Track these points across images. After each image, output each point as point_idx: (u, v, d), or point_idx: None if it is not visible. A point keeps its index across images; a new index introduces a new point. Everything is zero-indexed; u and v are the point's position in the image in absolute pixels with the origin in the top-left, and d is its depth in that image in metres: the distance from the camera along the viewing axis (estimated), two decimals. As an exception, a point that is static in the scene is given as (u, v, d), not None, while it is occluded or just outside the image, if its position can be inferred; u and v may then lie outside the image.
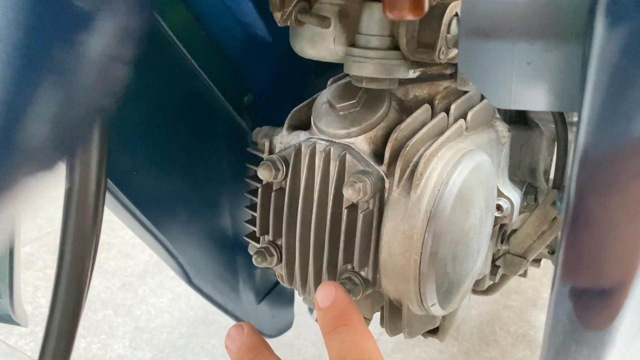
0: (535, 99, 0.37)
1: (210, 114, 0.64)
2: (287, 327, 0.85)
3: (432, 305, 0.48)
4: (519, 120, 0.68)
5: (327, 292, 0.43)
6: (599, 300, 0.29)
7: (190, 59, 0.59)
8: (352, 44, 0.45)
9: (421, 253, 0.45)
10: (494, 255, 0.65)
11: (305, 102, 0.55)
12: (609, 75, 0.25)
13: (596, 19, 0.23)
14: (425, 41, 0.42)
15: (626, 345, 0.32)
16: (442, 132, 0.50)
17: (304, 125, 0.54)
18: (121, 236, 1.82)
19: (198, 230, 0.67)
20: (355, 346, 0.39)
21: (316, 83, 0.65)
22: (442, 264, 0.46)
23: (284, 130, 0.54)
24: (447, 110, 0.52)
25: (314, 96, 0.55)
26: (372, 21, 0.43)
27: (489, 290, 0.72)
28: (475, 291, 0.70)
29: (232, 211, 0.69)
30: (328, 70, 0.61)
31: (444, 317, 0.58)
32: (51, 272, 1.60)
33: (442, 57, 0.42)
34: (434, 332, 0.59)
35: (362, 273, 0.49)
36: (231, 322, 1.10)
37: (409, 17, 0.35)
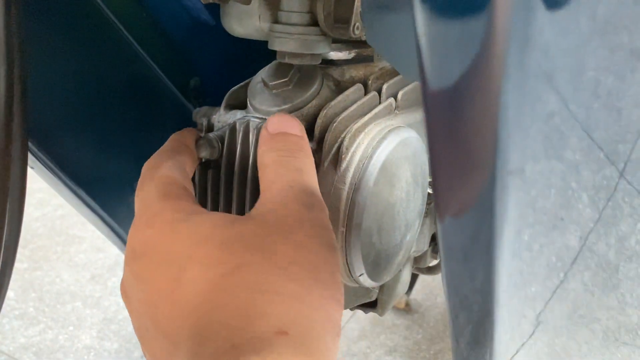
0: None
1: (155, 97, 0.65)
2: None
3: (360, 275, 0.50)
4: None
5: (284, 122, 0.43)
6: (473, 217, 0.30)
7: (133, 42, 0.60)
8: (275, 20, 0.46)
9: (346, 224, 0.47)
10: (435, 234, 0.67)
11: (243, 83, 0.56)
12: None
13: None
14: (340, 17, 0.44)
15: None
16: (372, 110, 0.51)
17: (242, 104, 0.55)
18: (92, 230, 1.82)
19: (146, 211, 0.68)
20: (292, 166, 0.39)
21: (263, 65, 0.67)
22: (367, 234, 0.48)
23: (222, 110, 0.55)
24: (379, 90, 0.53)
25: (252, 77, 0.57)
26: (292, -2, 0.44)
27: (433, 270, 0.74)
28: (419, 269, 0.72)
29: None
30: (274, 52, 0.63)
31: (381, 291, 0.59)
32: (21, 265, 1.60)
33: (357, 32, 0.44)
34: (373, 306, 0.61)
35: (295, 246, 0.51)
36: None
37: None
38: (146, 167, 0.45)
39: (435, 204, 0.31)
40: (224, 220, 0.36)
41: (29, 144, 0.54)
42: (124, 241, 0.68)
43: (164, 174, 0.43)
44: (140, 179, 0.44)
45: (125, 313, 1.43)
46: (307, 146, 0.42)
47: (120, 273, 1.59)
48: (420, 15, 0.24)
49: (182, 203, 0.40)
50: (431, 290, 1.48)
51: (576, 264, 0.57)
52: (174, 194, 0.40)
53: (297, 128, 0.43)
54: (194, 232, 0.35)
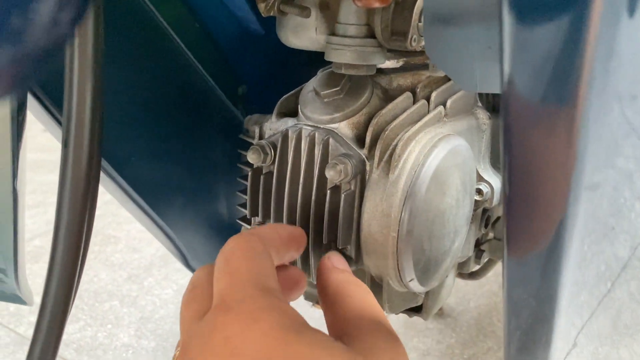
0: (498, 82, 0.40)
1: (205, 104, 0.67)
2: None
3: (410, 280, 0.51)
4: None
5: (340, 260, 0.43)
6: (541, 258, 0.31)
7: (186, 51, 0.62)
8: (332, 32, 0.48)
9: (398, 230, 0.48)
10: (478, 239, 0.67)
11: (293, 91, 0.58)
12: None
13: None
14: (398, 30, 0.45)
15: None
16: (422, 119, 0.52)
17: (292, 112, 0.57)
18: (128, 230, 1.86)
19: (195, 215, 0.70)
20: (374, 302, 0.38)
21: (308, 73, 0.68)
22: (419, 241, 0.49)
23: (273, 117, 0.57)
24: (428, 98, 0.54)
25: (302, 85, 0.58)
26: (350, 11, 0.45)
27: (475, 275, 0.75)
28: (462, 274, 0.72)
29: (227, 197, 0.72)
30: (319, 61, 0.64)
31: (427, 296, 0.60)
32: (60, 265, 1.64)
33: (414, 44, 0.45)
34: (418, 310, 0.62)
35: (346, 251, 0.52)
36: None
37: (376, 4, 0.38)
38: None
39: (505, 210, 0.31)
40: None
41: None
42: (170, 239, 0.70)
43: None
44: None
45: (162, 312, 1.47)
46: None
47: (155, 273, 1.63)
48: (507, 20, 0.25)
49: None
50: (464, 294, 1.48)
51: (624, 273, 0.57)
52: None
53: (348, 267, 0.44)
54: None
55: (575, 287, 0.42)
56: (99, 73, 0.36)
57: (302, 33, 0.49)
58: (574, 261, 0.33)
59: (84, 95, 0.36)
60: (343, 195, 0.50)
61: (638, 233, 0.53)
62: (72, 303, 0.49)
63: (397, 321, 1.41)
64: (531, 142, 0.27)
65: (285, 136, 0.53)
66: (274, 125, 0.56)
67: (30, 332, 1.39)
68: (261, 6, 0.46)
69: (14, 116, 0.44)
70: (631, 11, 0.26)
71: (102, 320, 1.44)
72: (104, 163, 0.59)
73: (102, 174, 0.61)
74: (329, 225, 0.51)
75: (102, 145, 0.42)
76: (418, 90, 0.55)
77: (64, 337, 1.50)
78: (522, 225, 0.31)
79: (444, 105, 0.55)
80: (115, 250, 1.76)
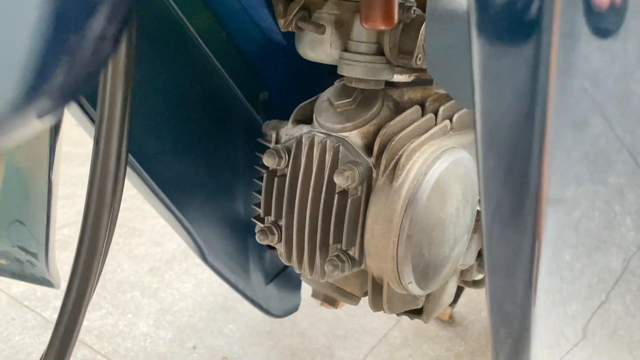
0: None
1: (228, 108, 0.71)
2: (294, 309, 0.92)
3: (409, 283, 0.54)
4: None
5: None
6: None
7: (212, 58, 0.67)
8: (345, 48, 0.51)
9: (399, 235, 0.51)
10: (482, 249, 0.70)
11: (309, 100, 0.61)
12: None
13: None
14: (405, 48, 0.48)
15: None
16: (428, 131, 0.56)
17: (308, 119, 0.61)
18: (152, 224, 1.92)
19: (214, 212, 0.74)
20: None
21: (326, 83, 0.72)
22: (418, 246, 0.52)
23: (289, 124, 0.61)
24: (436, 112, 0.58)
25: (319, 95, 0.62)
26: (361, 30, 0.49)
27: (479, 283, 0.77)
28: (466, 282, 0.75)
29: (245, 196, 0.76)
30: (336, 72, 0.68)
31: (427, 300, 0.63)
32: (86, 254, 1.71)
33: (419, 62, 0.48)
34: (418, 313, 0.65)
35: (350, 252, 0.55)
36: (249, 308, 1.17)
37: (382, 27, 0.41)
38: None
39: (483, 221, 0.35)
40: None
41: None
42: (189, 233, 0.74)
43: None
44: None
45: (181, 305, 1.52)
46: None
47: (176, 267, 1.68)
48: (476, 45, 0.28)
49: None
50: (476, 304, 1.50)
51: (618, 286, 0.59)
52: None
53: None
54: None
55: (560, 296, 0.45)
56: (129, 80, 0.40)
57: (318, 47, 0.52)
58: (547, 270, 0.36)
59: (115, 99, 0.40)
60: (350, 200, 0.53)
61: (630, 247, 0.55)
62: (94, 289, 0.54)
63: (407, 327, 1.43)
64: (500, 162, 0.30)
65: (299, 142, 0.57)
66: (289, 131, 0.60)
67: (55, 317, 1.45)
68: (280, 22, 0.50)
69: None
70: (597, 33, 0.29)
71: (123, 309, 1.50)
72: (132, 160, 0.64)
73: (129, 170, 0.65)
74: (335, 227, 0.55)
75: (128, 144, 0.46)
76: (427, 104, 0.58)
77: (87, 323, 1.56)
78: (498, 234, 0.34)
79: (451, 119, 0.58)
80: (139, 242, 1.82)
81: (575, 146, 0.35)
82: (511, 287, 0.37)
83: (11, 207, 0.62)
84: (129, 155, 0.63)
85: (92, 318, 1.45)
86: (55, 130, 0.51)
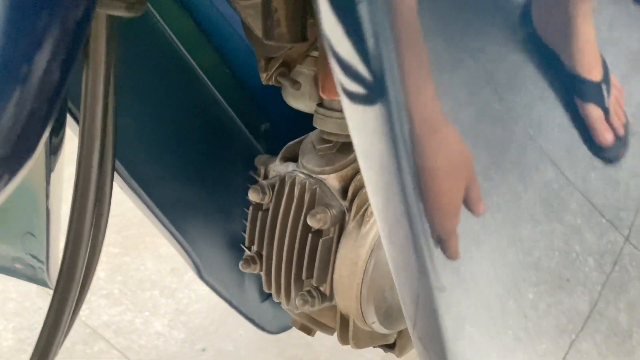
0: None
1: (230, 137, 0.75)
2: (288, 326, 0.96)
3: (373, 322, 0.57)
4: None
5: None
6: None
7: (214, 92, 0.71)
8: (319, 103, 0.55)
9: (362, 278, 0.54)
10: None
11: (298, 139, 0.65)
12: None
13: None
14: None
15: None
16: (403, 178, 0.59)
17: (296, 157, 0.64)
18: (178, 225, 1.99)
19: (211, 233, 0.79)
20: None
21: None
22: (380, 290, 0.55)
23: (278, 161, 0.65)
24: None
25: (307, 134, 0.65)
26: (335, 87, 0.52)
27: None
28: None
29: (242, 219, 0.80)
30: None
31: (399, 335, 0.66)
32: (113, 250, 1.80)
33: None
34: (392, 347, 0.67)
35: (321, 288, 0.59)
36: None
37: (337, 97, 0.45)
38: None
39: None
40: None
41: (121, 170, 0.66)
42: (186, 251, 0.79)
43: None
44: None
45: (196, 306, 1.58)
46: None
47: (196, 269, 1.75)
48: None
49: None
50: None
51: (587, 327, 0.60)
52: None
53: None
54: None
55: (527, 334, 0.47)
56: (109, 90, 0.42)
57: (299, 98, 0.56)
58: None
59: (94, 113, 0.42)
60: (321, 240, 0.57)
61: (595, 287, 0.56)
62: (82, 295, 0.56)
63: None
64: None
65: (282, 180, 0.61)
66: (277, 168, 0.64)
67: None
68: (262, 76, 0.54)
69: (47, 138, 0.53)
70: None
71: (141, 307, 1.57)
72: (133, 183, 0.69)
73: (129, 191, 0.71)
74: (308, 265, 0.58)
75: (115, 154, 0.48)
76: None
77: (106, 317, 1.63)
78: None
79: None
80: (164, 242, 1.88)
81: (524, 189, 0.37)
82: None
83: (24, 219, 0.68)
84: (131, 179, 0.69)
85: (112, 313, 1.52)
86: (50, 157, 0.56)
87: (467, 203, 0.34)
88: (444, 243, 0.33)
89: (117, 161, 0.67)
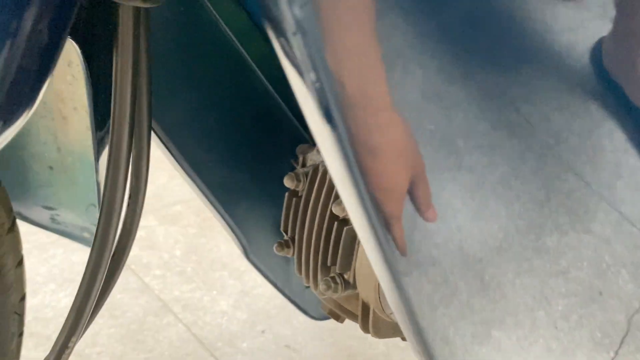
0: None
1: (278, 127, 0.78)
2: (332, 315, 0.98)
3: (391, 313, 0.58)
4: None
5: None
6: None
7: (265, 82, 0.75)
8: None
9: (381, 268, 0.55)
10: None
11: (336, 131, 0.67)
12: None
13: None
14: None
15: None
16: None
17: (333, 148, 0.66)
18: (252, 211, 2.07)
19: (257, 216, 0.82)
20: None
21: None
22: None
23: (315, 150, 0.67)
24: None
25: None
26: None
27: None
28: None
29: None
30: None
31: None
32: (191, 231, 1.90)
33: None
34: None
35: (345, 276, 0.60)
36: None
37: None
38: None
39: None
40: None
41: (176, 154, 0.71)
42: (235, 233, 0.83)
43: None
44: None
45: (260, 290, 1.64)
46: None
47: (265, 254, 1.81)
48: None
49: None
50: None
51: (625, 343, 0.56)
52: None
53: None
54: None
55: (559, 344, 0.46)
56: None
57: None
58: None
59: (124, 103, 0.44)
60: (345, 229, 0.58)
61: (631, 301, 0.53)
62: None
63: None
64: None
65: (315, 169, 0.63)
66: (314, 157, 0.66)
67: (154, 283, 1.64)
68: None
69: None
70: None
71: (210, 286, 1.65)
72: (187, 166, 0.74)
73: (184, 175, 0.76)
74: (332, 252, 0.60)
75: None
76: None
77: (177, 293, 1.74)
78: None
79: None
80: (237, 227, 1.97)
81: (548, 196, 0.38)
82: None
83: (88, 192, 0.75)
84: (185, 162, 0.74)
85: (183, 290, 1.62)
86: (98, 148, 0.61)
87: (414, 199, 0.34)
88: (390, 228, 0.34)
89: (172, 145, 0.73)
